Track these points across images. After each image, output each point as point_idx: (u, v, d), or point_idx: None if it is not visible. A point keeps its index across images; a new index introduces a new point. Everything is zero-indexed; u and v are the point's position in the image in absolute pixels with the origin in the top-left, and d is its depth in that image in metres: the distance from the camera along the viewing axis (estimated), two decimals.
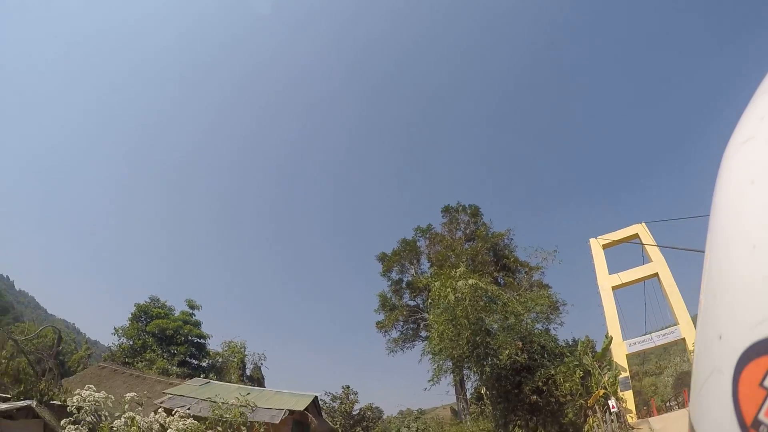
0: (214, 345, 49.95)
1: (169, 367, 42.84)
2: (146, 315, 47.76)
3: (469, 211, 47.56)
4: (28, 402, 14.77)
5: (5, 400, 15.63)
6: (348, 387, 48.07)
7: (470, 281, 24.44)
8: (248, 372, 47.69)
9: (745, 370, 0.46)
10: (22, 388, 16.75)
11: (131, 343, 45.74)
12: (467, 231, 46.31)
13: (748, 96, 0.67)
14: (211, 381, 30.29)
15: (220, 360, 48.05)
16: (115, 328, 47.20)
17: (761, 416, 0.43)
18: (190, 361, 46.59)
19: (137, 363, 41.37)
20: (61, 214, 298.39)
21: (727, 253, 0.53)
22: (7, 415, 13.71)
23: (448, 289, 24.52)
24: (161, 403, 22.21)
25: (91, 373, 32.88)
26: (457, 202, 48.48)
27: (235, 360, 47.32)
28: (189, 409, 20.39)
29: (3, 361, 22.19)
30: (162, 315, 47.62)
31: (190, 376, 35.96)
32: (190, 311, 49.95)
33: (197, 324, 49.08)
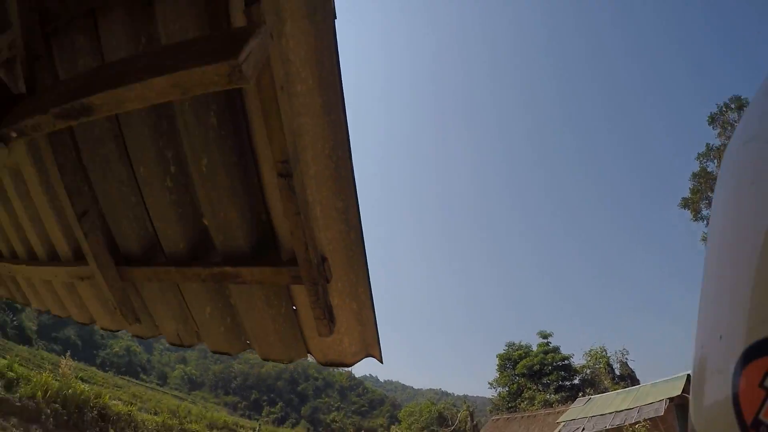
0: (577, 359, 52.20)
1: (548, 396, 46.35)
2: (510, 361, 52.41)
3: (734, 107, 41.12)
4: None
5: None
6: None
7: None
8: (617, 371, 48.25)
9: (745, 370, 0.47)
10: None
11: (507, 389, 51.00)
12: None
13: None
14: (591, 396, 31.92)
15: (588, 371, 49.91)
16: (489, 382, 53.36)
17: (761, 416, 0.44)
18: (563, 384, 49.10)
19: (519, 404, 46.42)
20: None
21: (728, 253, 0.54)
22: None
23: None
24: None
25: (490, 427, 38.82)
26: (716, 105, 43.04)
27: (601, 366, 48.88)
28: (584, 429, 22.65)
29: None
30: (523, 355, 51.75)
31: (569, 399, 39.70)
32: (545, 341, 53.03)
33: (556, 349, 51.81)
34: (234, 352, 2.94)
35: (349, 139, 1.93)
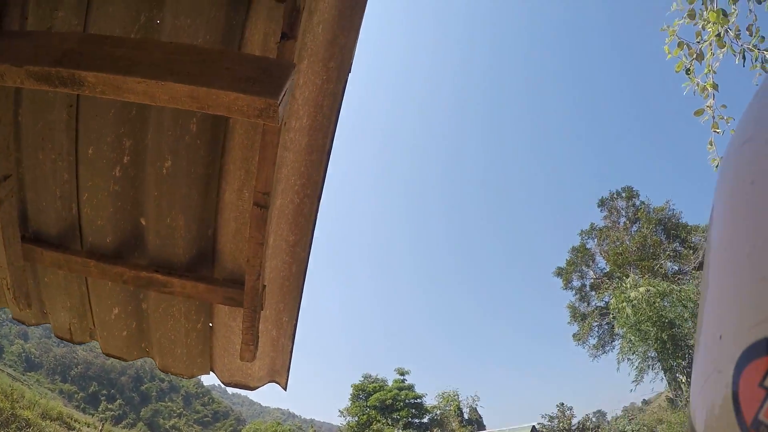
0: (430, 400, 53.58)
1: (396, 431, 48.12)
2: (364, 392, 53.27)
3: (624, 195, 48.02)
4: None
5: None
6: (562, 404, 48.26)
7: (641, 289, 27.11)
8: (466, 416, 50.81)
9: (745, 370, 0.46)
10: None
11: (356, 419, 51.57)
12: (629, 215, 46.91)
13: None
14: None
15: (438, 412, 51.52)
16: (339, 410, 53.97)
17: (761, 416, 0.43)
18: (412, 421, 50.72)
19: None
20: None
21: (728, 253, 0.55)
22: None
23: (623, 304, 27.04)
24: None
25: None
26: (609, 191, 49.93)
27: (452, 408, 50.92)
28: None
29: None
30: (378, 388, 52.80)
31: None
32: (402, 378, 54.03)
33: (411, 387, 52.87)
34: (130, 358, 2.80)
35: (323, 181, 1.97)
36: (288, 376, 2.62)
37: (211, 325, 2.47)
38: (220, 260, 2.23)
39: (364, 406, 51.77)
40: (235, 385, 2.66)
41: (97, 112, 2.20)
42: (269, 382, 2.68)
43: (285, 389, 2.66)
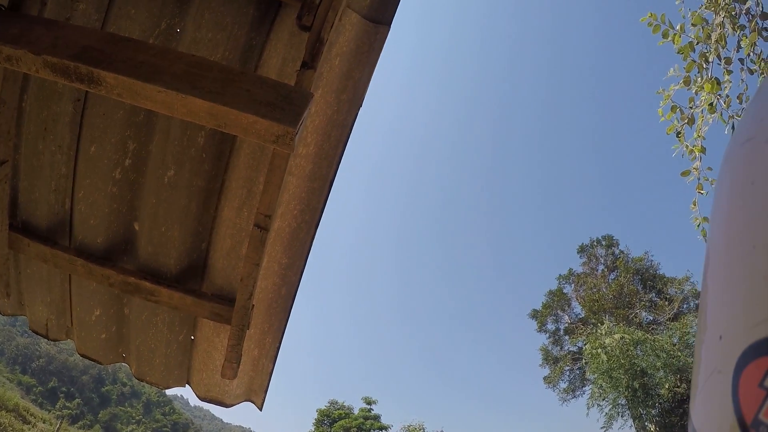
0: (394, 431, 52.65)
1: None
2: (328, 418, 51.82)
3: (604, 243, 48.31)
4: None
5: None
6: None
7: (616, 336, 27.59)
8: None
9: (745, 370, 0.47)
10: None
11: None
12: (607, 263, 47.08)
13: None
14: None
15: None
16: None
17: (761, 416, 0.44)
18: None
19: None
20: None
21: (728, 253, 0.55)
22: None
23: (598, 350, 27.38)
24: None
25: None
26: (589, 238, 49.71)
27: None
28: None
29: None
30: (343, 415, 51.42)
31: None
32: (368, 407, 52.53)
33: (377, 417, 51.26)
34: (105, 362, 2.75)
35: (322, 209, 1.99)
36: (265, 397, 2.59)
37: (193, 338, 2.45)
38: (211, 275, 2.22)
39: None
40: (211, 401, 2.62)
41: (105, 111, 2.20)
42: (245, 400, 2.66)
43: (260, 409, 2.64)
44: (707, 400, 0.53)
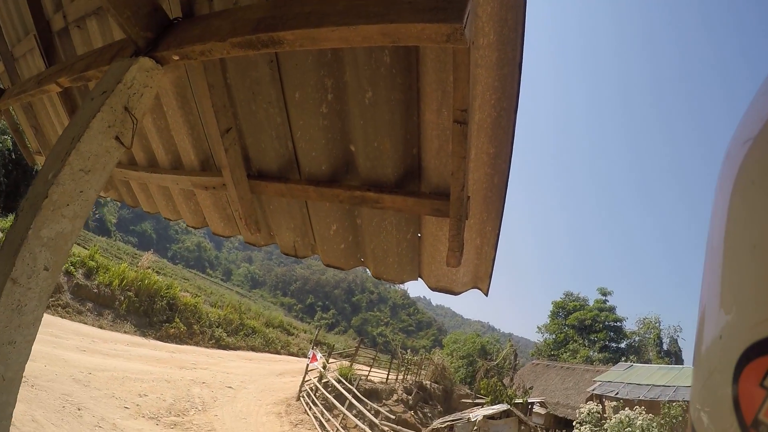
0: (629, 325, 52.69)
1: (591, 354, 47.45)
2: (563, 310, 53.26)
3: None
4: (505, 406, 22.14)
5: (482, 405, 23.93)
6: None
7: None
8: (665, 347, 49.51)
9: (745, 370, 0.47)
10: (491, 397, 25.19)
11: (554, 337, 52.06)
12: None
13: None
14: (634, 364, 32.82)
15: (636, 338, 50.77)
16: (538, 327, 54.76)
17: (761, 416, 0.44)
18: (609, 345, 50.03)
19: (561, 355, 47.52)
20: None
21: (727, 253, 0.55)
22: (491, 417, 20.85)
23: None
24: (592, 390, 26.24)
25: (528, 370, 39.74)
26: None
27: (651, 337, 49.98)
28: (617, 394, 24.07)
29: (481, 379, 32.60)
30: (578, 307, 52.38)
31: (611, 360, 40.76)
32: (603, 298, 53.41)
33: (611, 309, 52.07)
34: (347, 267, 3.20)
35: (518, 93, 1.99)
36: (490, 283, 2.79)
37: (419, 235, 2.71)
38: (426, 176, 2.41)
39: (562, 324, 52.08)
40: (441, 290, 2.90)
41: (297, 62, 2.47)
42: (472, 287, 2.89)
43: (486, 294, 2.83)
44: (707, 400, 0.55)
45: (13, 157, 27.01)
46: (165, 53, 2.27)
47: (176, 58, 2.26)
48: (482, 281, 2.81)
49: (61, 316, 17.66)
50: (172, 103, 3.37)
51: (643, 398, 23.63)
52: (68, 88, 3.65)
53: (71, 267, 20.04)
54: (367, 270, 3.16)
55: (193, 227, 4.44)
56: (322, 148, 2.68)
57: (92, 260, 21.68)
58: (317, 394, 16.93)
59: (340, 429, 14.28)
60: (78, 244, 30.68)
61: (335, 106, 2.50)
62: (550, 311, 53.13)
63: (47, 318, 16.21)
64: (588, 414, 24.98)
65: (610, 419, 22.74)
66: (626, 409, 22.95)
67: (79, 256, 21.34)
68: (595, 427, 24.08)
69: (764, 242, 0.48)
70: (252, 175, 3.16)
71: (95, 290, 20.46)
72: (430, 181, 2.39)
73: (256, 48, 1.94)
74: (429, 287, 2.96)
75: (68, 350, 13.23)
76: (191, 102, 3.25)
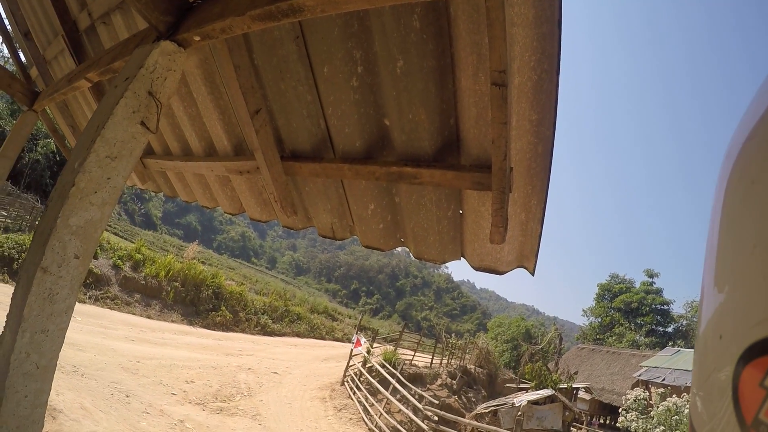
0: (677, 308, 52.46)
1: (637, 338, 46.88)
2: (609, 293, 52.26)
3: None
4: (549, 391, 21.81)
5: (526, 390, 23.70)
6: None
7: None
8: None
9: (745, 370, 0.47)
10: (536, 382, 24.78)
11: (599, 321, 51.30)
12: None
13: None
14: (681, 349, 32.62)
15: (684, 323, 49.71)
16: (583, 310, 54.03)
17: (761, 416, 0.44)
18: (656, 329, 49.27)
19: (607, 339, 47.00)
20: None
21: (727, 252, 0.54)
22: (535, 402, 20.73)
23: None
24: (638, 376, 26.15)
25: (573, 355, 40.11)
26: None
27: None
28: (664, 380, 24.12)
29: (525, 363, 32.27)
30: (624, 290, 51.29)
31: (658, 345, 40.60)
32: (650, 280, 52.38)
33: (658, 291, 51.27)
34: (386, 248, 3.09)
35: (559, 54, 1.83)
36: (536, 261, 2.61)
37: (461, 211, 2.58)
38: (465, 147, 2.27)
39: (608, 307, 50.92)
40: (485, 270, 2.77)
41: (323, 35, 2.37)
42: (517, 267, 2.73)
43: (533, 274, 2.68)
44: (707, 400, 0.54)
45: (58, 159, 28.06)
46: (186, 35, 2.24)
47: (197, 39, 2.23)
48: (528, 259, 2.65)
49: (110, 308, 18.43)
50: (201, 89, 3.35)
51: (689, 385, 22.94)
52: (98, 82, 3.71)
53: (118, 260, 20.95)
54: (409, 252, 3.05)
55: (230, 213, 4.45)
56: (355, 123, 2.57)
57: (139, 253, 22.56)
58: (361, 379, 17.08)
59: (384, 414, 14.36)
60: (125, 238, 31.87)
61: (366, 79, 2.38)
62: (596, 294, 51.97)
63: (96, 310, 16.96)
64: (635, 401, 24.47)
65: (657, 406, 22.35)
66: (673, 396, 22.45)
67: (126, 250, 22.29)
68: (642, 414, 23.63)
69: (764, 242, 0.47)
70: (285, 156, 3.10)
71: (142, 282, 21.29)
72: (470, 152, 2.25)
73: (276, 19, 1.86)
74: (472, 267, 2.83)
75: (117, 340, 13.72)
76: (220, 87, 3.23)
